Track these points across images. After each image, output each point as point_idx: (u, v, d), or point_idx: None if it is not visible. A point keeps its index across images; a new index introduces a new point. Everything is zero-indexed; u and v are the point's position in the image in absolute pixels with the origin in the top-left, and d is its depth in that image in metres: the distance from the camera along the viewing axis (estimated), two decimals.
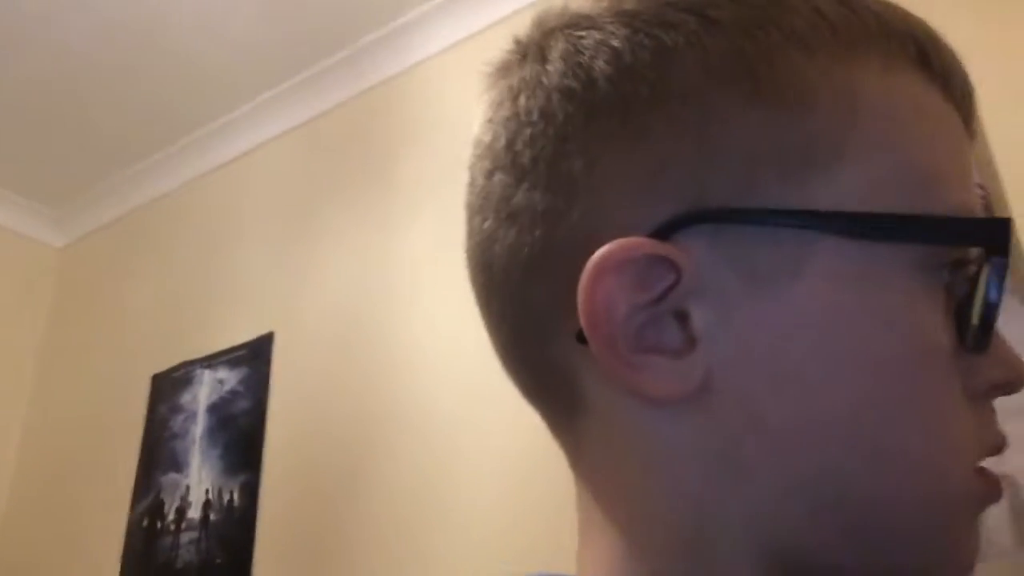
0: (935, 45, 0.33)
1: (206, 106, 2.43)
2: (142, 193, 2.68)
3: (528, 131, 0.33)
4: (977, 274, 0.31)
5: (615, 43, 0.32)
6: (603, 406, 0.32)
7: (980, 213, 0.32)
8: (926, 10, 0.36)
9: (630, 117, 0.31)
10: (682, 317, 0.30)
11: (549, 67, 0.34)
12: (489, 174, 0.35)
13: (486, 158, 0.35)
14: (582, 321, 0.30)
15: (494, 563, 1.57)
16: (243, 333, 2.21)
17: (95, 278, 2.74)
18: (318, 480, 1.92)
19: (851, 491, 0.29)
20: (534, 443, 1.63)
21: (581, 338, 0.31)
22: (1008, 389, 0.32)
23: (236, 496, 2.05)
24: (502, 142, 0.34)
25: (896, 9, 0.33)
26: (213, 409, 2.21)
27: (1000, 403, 0.33)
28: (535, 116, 0.33)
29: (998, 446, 0.32)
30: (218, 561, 2.01)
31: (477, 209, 0.35)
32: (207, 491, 2.12)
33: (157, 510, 2.19)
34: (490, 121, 0.36)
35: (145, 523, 2.19)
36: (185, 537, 2.10)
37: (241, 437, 2.11)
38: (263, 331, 2.17)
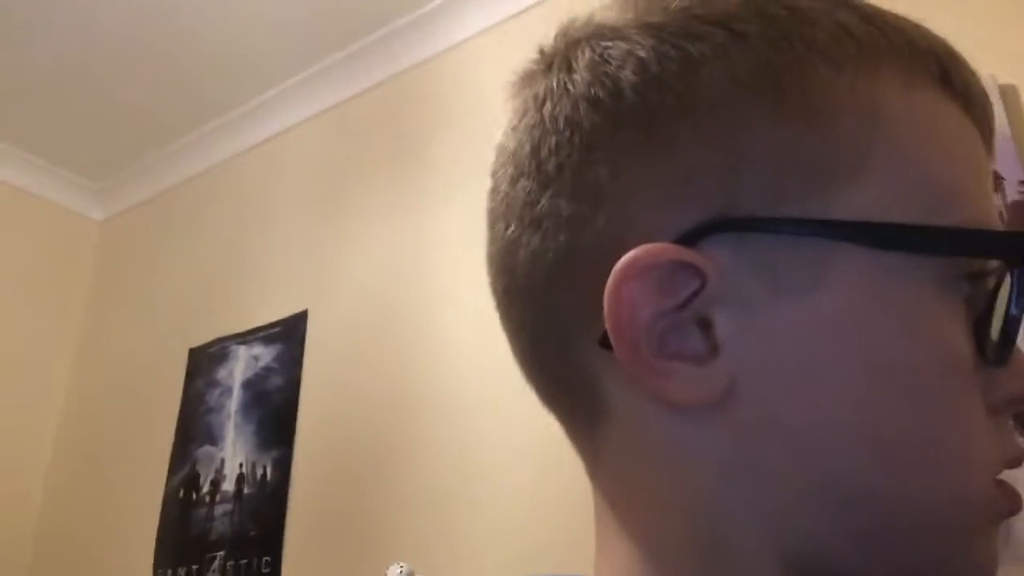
0: (956, 65, 0.34)
1: (240, 87, 2.45)
2: (179, 171, 2.71)
3: (554, 139, 0.34)
4: (997, 287, 0.31)
5: (641, 53, 0.32)
6: (625, 412, 0.33)
7: (999, 227, 0.33)
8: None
9: (657, 127, 0.31)
10: (705, 324, 0.31)
11: (575, 76, 0.34)
12: (513, 181, 0.35)
13: (510, 165, 0.36)
14: (607, 325, 0.31)
15: (522, 545, 1.58)
16: (278, 310, 2.24)
17: (134, 252, 2.79)
18: (349, 458, 1.95)
19: (871, 499, 0.30)
20: (561, 429, 1.63)
21: (605, 343, 0.31)
22: (1021, 404, 0.33)
23: (269, 471, 2.09)
24: (527, 149, 0.35)
25: (919, 28, 0.34)
26: (248, 384, 2.24)
27: None
28: (561, 124, 0.34)
29: (1017, 459, 0.33)
30: (252, 534, 2.05)
31: (500, 215, 0.36)
32: (241, 465, 2.15)
33: (193, 482, 2.23)
34: (514, 129, 0.36)
35: (181, 495, 2.24)
36: (219, 509, 2.15)
37: (275, 413, 2.14)
38: (297, 309, 2.19)
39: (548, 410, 0.37)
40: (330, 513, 1.93)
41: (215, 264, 2.49)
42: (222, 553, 2.09)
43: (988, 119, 0.35)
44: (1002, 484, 0.32)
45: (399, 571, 1.53)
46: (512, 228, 0.35)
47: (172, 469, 2.29)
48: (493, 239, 0.36)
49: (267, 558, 1.99)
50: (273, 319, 2.25)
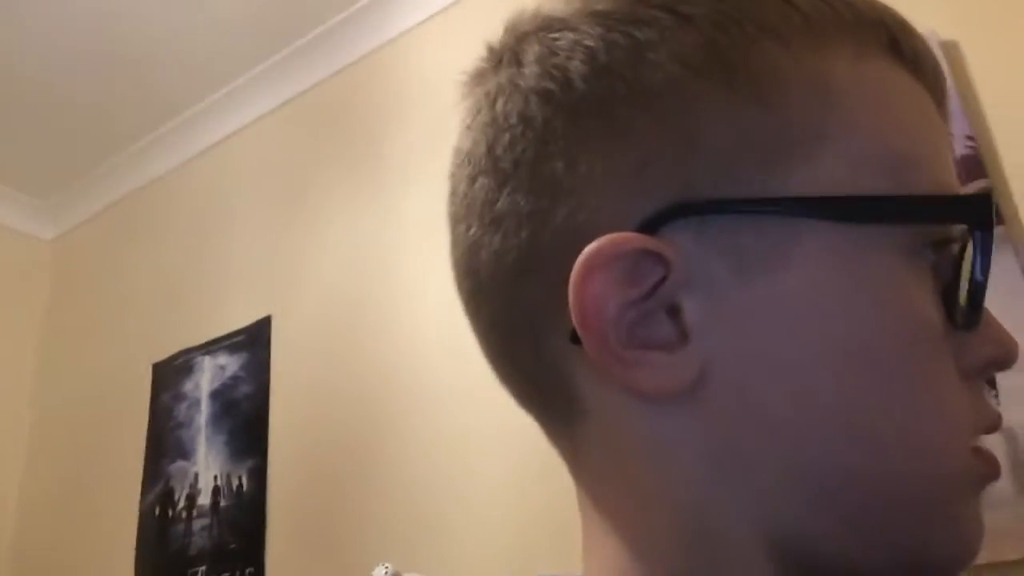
0: (905, 32, 0.34)
1: (189, 87, 2.40)
2: (130, 180, 2.66)
3: (507, 135, 0.33)
4: (962, 252, 0.31)
5: (589, 43, 0.32)
6: (600, 407, 0.32)
7: (958, 191, 0.33)
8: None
9: (608, 115, 0.31)
10: (674, 311, 0.30)
11: (525, 70, 0.34)
12: (471, 181, 0.35)
13: (467, 165, 0.35)
14: (574, 319, 0.30)
15: (508, 537, 1.58)
16: (240, 318, 2.21)
17: (88, 269, 2.73)
18: (325, 462, 1.93)
19: (850, 480, 0.29)
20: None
21: (574, 338, 0.31)
22: (999, 366, 0.33)
23: (245, 481, 2.06)
24: (482, 148, 0.34)
25: None
26: (216, 395, 2.21)
27: None
28: (514, 119, 0.33)
29: (993, 424, 0.32)
30: (231, 546, 2.03)
31: (461, 217, 0.35)
32: (216, 477, 2.13)
33: (168, 498, 2.20)
34: (468, 128, 0.36)
35: (157, 511, 2.21)
36: (197, 524, 2.12)
37: (246, 422, 2.11)
38: (260, 315, 2.17)
39: (524, 410, 0.36)
40: (310, 518, 1.92)
41: (174, 274, 2.45)
42: (203, 568, 2.06)
43: (940, 83, 0.35)
44: (979, 450, 0.32)
45: (384, 572, 1.52)
46: (473, 229, 0.34)
47: (146, 487, 2.26)
48: (456, 242, 0.36)
49: (250, 569, 1.97)
50: (237, 327, 2.21)
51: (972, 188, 1.21)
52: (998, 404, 1.12)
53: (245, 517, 2.03)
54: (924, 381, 0.30)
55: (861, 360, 0.30)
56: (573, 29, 0.33)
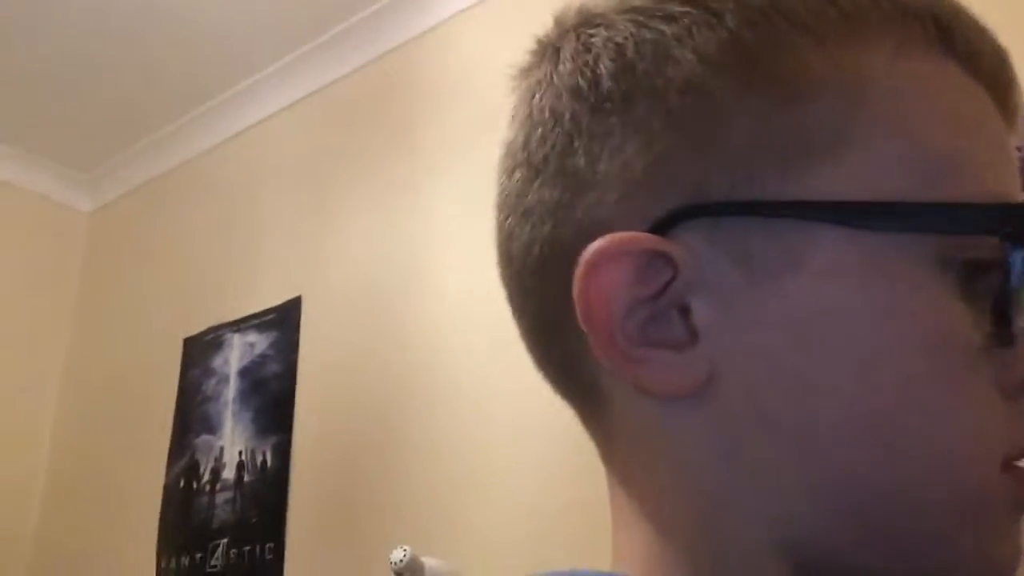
0: (958, 22, 0.32)
1: (225, 73, 2.43)
2: (167, 159, 2.69)
3: (540, 130, 0.34)
4: (1005, 264, 0.29)
5: (619, 39, 0.32)
6: (619, 401, 0.32)
7: (1011, 198, 0.30)
8: None
9: (630, 112, 0.31)
10: (685, 312, 0.30)
11: (560, 67, 0.34)
12: (510, 173, 0.35)
13: (508, 157, 0.36)
14: (579, 315, 0.31)
15: (528, 525, 1.59)
16: (271, 297, 2.24)
17: (124, 243, 2.77)
18: (349, 442, 1.95)
19: (868, 491, 0.29)
20: (568, 408, 1.63)
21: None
22: None
23: (269, 457, 2.09)
24: (520, 141, 0.35)
25: None
26: (244, 372, 2.24)
27: None
28: (546, 115, 0.34)
29: None
30: (253, 520, 2.06)
31: (500, 206, 0.36)
32: (240, 452, 2.16)
33: (192, 471, 2.24)
34: (512, 120, 0.37)
35: (181, 484, 2.25)
36: (220, 497, 2.15)
37: (272, 399, 2.14)
38: (291, 295, 2.19)
39: (559, 396, 0.37)
40: (331, 498, 1.94)
41: (207, 252, 2.48)
42: (225, 540, 2.10)
43: (1003, 82, 0.32)
44: (1016, 470, 0.30)
45: (402, 555, 1.53)
46: (510, 219, 0.35)
47: (171, 459, 2.30)
48: (498, 230, 0.37)
49: (270, 544, 2.00)
50: (267, 306, 2.24)
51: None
52: None
53: (268, 492, 2.06)
54: (945, 393, 0.29)
55: (874, 373, 0.29)
56: (609, 25, 0.33)
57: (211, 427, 2.25)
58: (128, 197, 2.81)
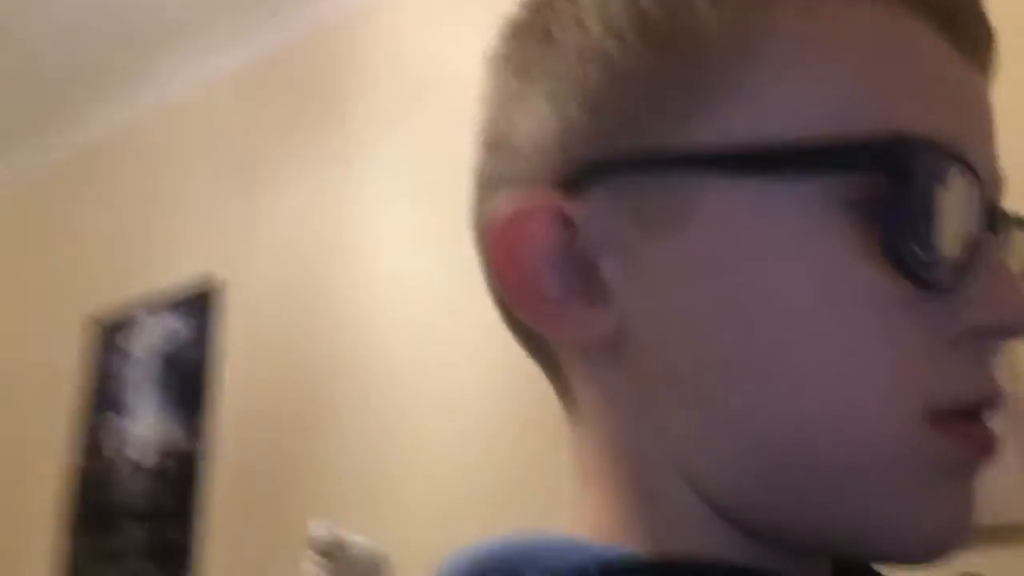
0: None
1: (152, 40, 2.35)
2: (84, 132, 2.60)
3: (484, 104, 0.36)
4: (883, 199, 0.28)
5: (549, 14, 0.34)
6: (563, 361, 0.33)
7: (948, 138, 0.28)
8: None
9: (544, 78, 0.32)
10: (593, 268, 0.31)
11: (502, 44, 0.36)
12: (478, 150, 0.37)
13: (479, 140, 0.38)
14: (491, 273, 0.32)
15: (449, 501, 1.58)
16: (191, 277, 2.18)
17: (36, 219, 2.67)
18: (269, 422, 1.91)
19: (768, 441, 0.28)
20: (495, 386, 1.63)
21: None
22: (999, 334, 0.29)
23: (184, 439, 2.03)
24: (479, 121, 0.37)
25: None
26: (160, 353, 2.18)
27: None
28: (490, 92, 0.36)
29: (982, 398, 0.29)
30: (164, 507, 2.00)
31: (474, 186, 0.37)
32: (152, 436, 2.09)
33: (99, 456, 2.16)
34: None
35: (87, 469, 2.16)
36: (129, 483, 2.08)
37: (187, 381, 2.09)
38: (212, 275, 2.14)
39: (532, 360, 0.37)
40: (250, 482, 1.90)
41: (124, 230, 2.40)
42: (134, 525, 2.03)
43: (950, 14, 0.31)
44: (950, 426, 0.28)
45: (324, 532, 1.51)
46: (473, 194, 0.36)
47: (79, 442, 2.21)
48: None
49: (183, 528, 1.94)
50: (187, 286, 2.18)
51: None
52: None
53: (183, 476, 2.00)
54: (852, 348, 0.28)
55: (769, 318, 0.28)
56: (548, 3, 0.34)
57: (121, 410, 2.18)
58: (42, 172, 2.70)
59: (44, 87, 2.50)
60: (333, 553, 1.50)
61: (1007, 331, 0.29)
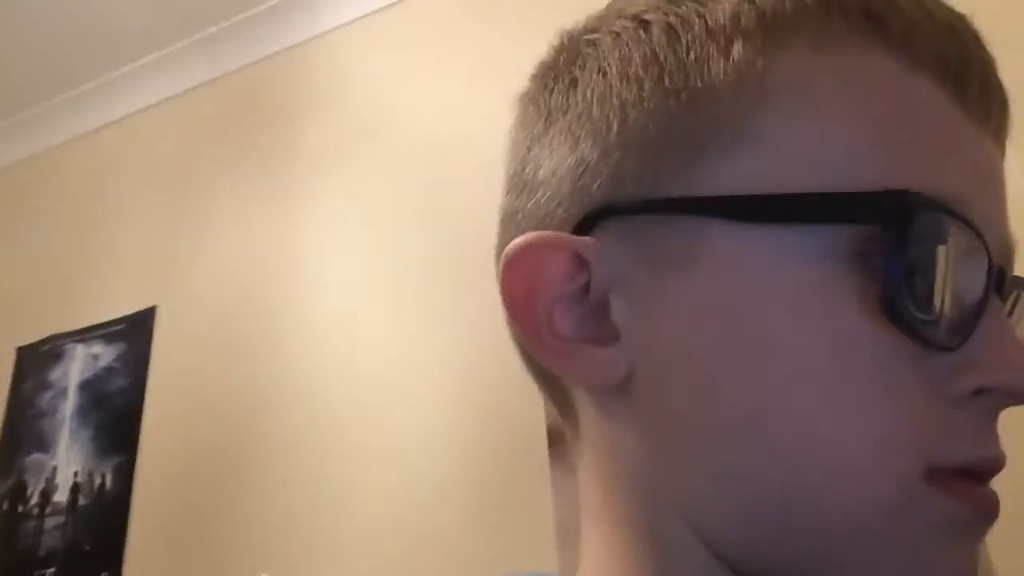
0: (893, 12, 0.30)
1: (94, 60, 2.27)
2: (13, 150, 2.49)
3: (509, 144, 0.37)
4: (885, 252, 0.28)
5: (576, 58, 0.35)
6: (574, 399, 0.34)
7: (953, 198, 0.28)
8: None
9: (566, 119, 0.33)
10: (605, 309, 0.31)
11: (531, 84, 0.37)
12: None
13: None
14: (504, 308, 0.32)
15: (392, 547, 1.53)
16: (122, 306, 2.09)
17: None
18: (201, 463, 1.83)
19: (769, 492, 0.28)
20: (438, 425, 1.60)
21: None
22: (1003, 396, 0.29)
23: (109, 479, 1.94)
24: (507, 158, 0.37)
25: None
26: (85, 386, 2.08)
27: None
28: (515, 128, 0.37)
29: (984, 460, 0.29)
30: (86, 548, 1.90)
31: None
32: (76, 473, 1.99)
33: (19, 493, 2.05)
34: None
35: (5, 507, 2.04)
36: (50, 522, 1.97)
37: (116, 416, 1.99)
38: (145, 304, 2.05)
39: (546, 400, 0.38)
40: (178, 522, 1.81)
41: (52, 254, 2.30)
42: (53, 570, 1.91)
43: (955, 67, 0.31)
44: (951, 484, 0.28)
45: None
46: (498, 229, 0.37)
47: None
48: None
49: (105, 573, 1.84)
50: (117, 315, 2.09)
51: None
52: None
53: (105, 517, 1.90)
54: (851, 400, 0.27)
55: (773, 371, 0.28)
56: (571, 48, 0.35)
57: (43, 445, 2.06)
58: None
59: None
60: None
61: (1010, 394, 0.29)
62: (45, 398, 2.12)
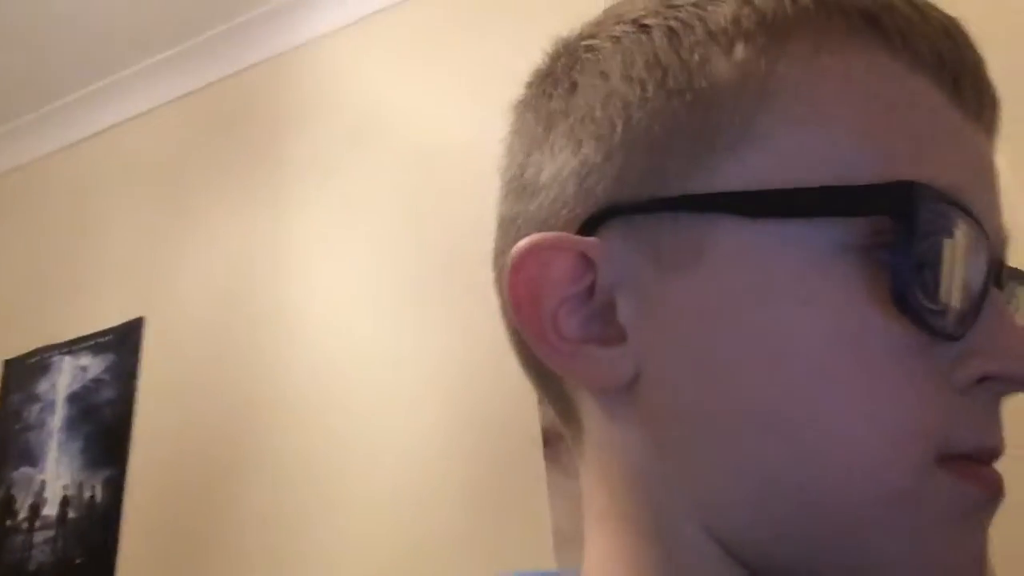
0: (889, 15, 0.31)
1: (81, 69, 2.25)
2: (3, 159, 2.46)
3: (504, 151, 0.37)
4: (894, 243, 0.28)
5: (574, 64, 0.35)
6: (578, 400, 0.34)
7: (953, 191, 0.29)
8: None
9: (567, 122, 0.34)
10: (611, 309, 0.31)
11: (528, 90, 0.37)
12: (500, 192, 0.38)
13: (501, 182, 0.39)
14: (510, 310, 0.32)
15: (383, 555, 1.52)
16: (110, 317, 2.07)
17: None
18: (192, 474, 1.81)
19: (782, 482, 0.28)
20: (430, 432, 1.59)
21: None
22: (1007, 383, 0.29)
23: (98, 492, 1.92)
24: (503, 165, 0.37)
25: None
26: (74, 398, 2.06)
27: None
28: (511, 135, 0.37)
29: (986, 448, 0.29)
30: (77, 561, 1.88)
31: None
32: (65, 487, 1.97)
33: (7, 507, 2.02)
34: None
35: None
36: (39, 536, 1.95)
37: (105, 429, 1.97)
38: (132, 315, 2.04)
39: (545, 401, 0.38)
40: (169, 534, 1.79)
41: (38, 265, 2.28)
42: None
43: (951, 66, 0.32)
44: (957, 467, 0.28)
45: None
46: (496, 236, 0.37)
47: None
48: None
49: None
50: (105, 327, 2.07)
51: None
52: None
53: (95, 531, 1.88)
54: (859, 385, 0.28)
55: (783, 364, 0.28)
56: (569, 53, 0.36)
57: (32, 458, 2.04)
58: None
59: None
60: None
61: (1014, 381, 0.29)
62: (33, 411, 2.10)
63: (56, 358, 2.11)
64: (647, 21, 0.33)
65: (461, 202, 1.63)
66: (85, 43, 2.18)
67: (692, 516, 0.30)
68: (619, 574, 0.31)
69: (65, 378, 2.09)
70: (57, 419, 2.06)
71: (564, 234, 0.32)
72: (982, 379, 0.29)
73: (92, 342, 2.07)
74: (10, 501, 2.02)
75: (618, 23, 0.34)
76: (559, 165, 0.33)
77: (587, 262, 0.31)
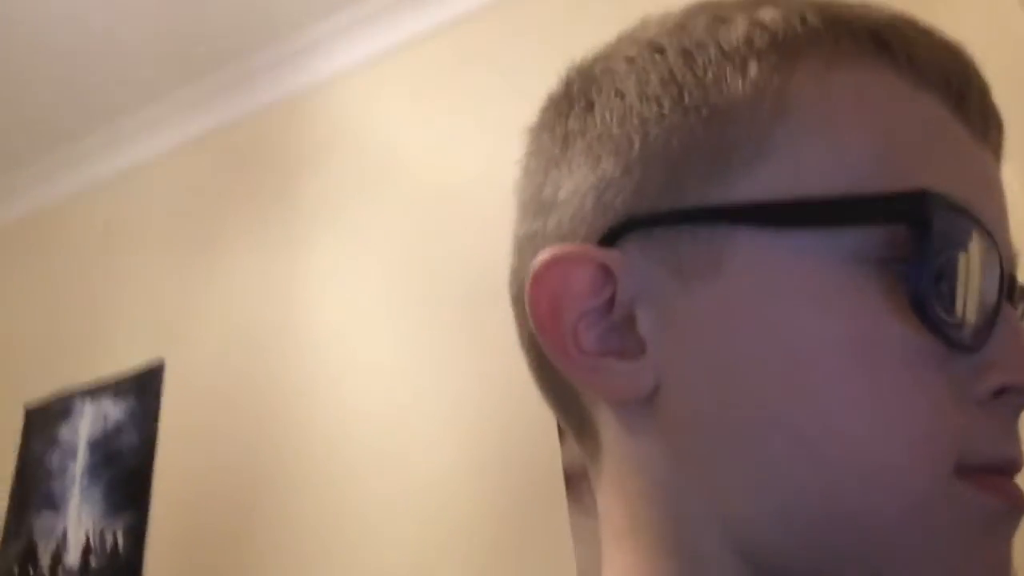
0: (896, 34, 0.33)
1: (92, 113, 2.27)
2: (19, 204, 2.49)
3: (521, 173, 0.37)
4: (912, 253, 0.29)
5: (591, 83, 0.36)
6: (596, 415, 0.34)
7: (962, 199, 0.29)
8: None
9: (585, 139, 0.34)
10: (631, 321, 0.32)
11: (544, 110, 0.38)
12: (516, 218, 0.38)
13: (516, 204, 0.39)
14: (532, 324, 0.32)
15: None
16: (130, 361, 2.07)
17: None
18: (213, 521, 1.80)
19: (805, 493, 0.28)
20: (451, 476, 1.57)
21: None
22: (1018, 395, 0.29)
23: (120, 539, 1.91)
24: (519, 185, 0.38)
25: (854, 6, 0.33)
26: (95, 444, 2.05)
27: None
28: (528, 156, 0.37)
29: (1005, 460, 0.29)
30: None
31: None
32: (87, 534, 1.96)
33: (30, 555, 2.01)
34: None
35: (16, 571, 2.01)
36: None
37: (127, 475, 1.96)
38: (152, 358, 2.04)
39: (561, 422, 0.37)
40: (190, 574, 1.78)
41: (58, 310, 2.28)
42: None
43: (956, 85, 0.33)
44: (978, 478, 0.28)
45: None
46: (511, 258, 0.37)
47: (5, 543, 2.06)
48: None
49: None
50: (125, 370, 2.07)
51: None
52: None
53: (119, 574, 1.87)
54: (879, 396, 0.28)
55: (802, 373, 0.29)
56: (585, 74, 0.36)
57: (53, 505, 2.04)
58: None
59: None
60: None
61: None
62: (54, 457, 2.10)
63: (78, 403, 2.11)
64: (661, 43, 0.34)
65: (474, 241, 1.63)
66: (99, 87, 2.20)
67: (712, 528, 0.30)
68: None
69: (86, 423, 2.08)
70: (79, 465, 2.05)
71: (585, 246, 0.32)
72: (1000, 391, 0.29)
73: (113, 386, 2.07)
74: (33, 548, 2.02)
75: (632, 46, 0.35)
76: (577, 181, 0.33)
77: (607, 275, 0.32)
